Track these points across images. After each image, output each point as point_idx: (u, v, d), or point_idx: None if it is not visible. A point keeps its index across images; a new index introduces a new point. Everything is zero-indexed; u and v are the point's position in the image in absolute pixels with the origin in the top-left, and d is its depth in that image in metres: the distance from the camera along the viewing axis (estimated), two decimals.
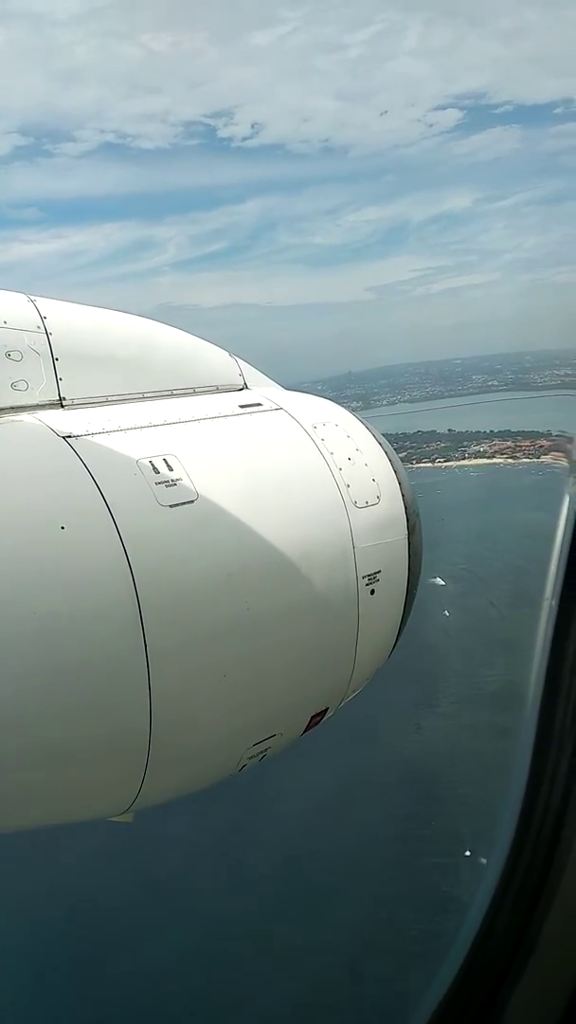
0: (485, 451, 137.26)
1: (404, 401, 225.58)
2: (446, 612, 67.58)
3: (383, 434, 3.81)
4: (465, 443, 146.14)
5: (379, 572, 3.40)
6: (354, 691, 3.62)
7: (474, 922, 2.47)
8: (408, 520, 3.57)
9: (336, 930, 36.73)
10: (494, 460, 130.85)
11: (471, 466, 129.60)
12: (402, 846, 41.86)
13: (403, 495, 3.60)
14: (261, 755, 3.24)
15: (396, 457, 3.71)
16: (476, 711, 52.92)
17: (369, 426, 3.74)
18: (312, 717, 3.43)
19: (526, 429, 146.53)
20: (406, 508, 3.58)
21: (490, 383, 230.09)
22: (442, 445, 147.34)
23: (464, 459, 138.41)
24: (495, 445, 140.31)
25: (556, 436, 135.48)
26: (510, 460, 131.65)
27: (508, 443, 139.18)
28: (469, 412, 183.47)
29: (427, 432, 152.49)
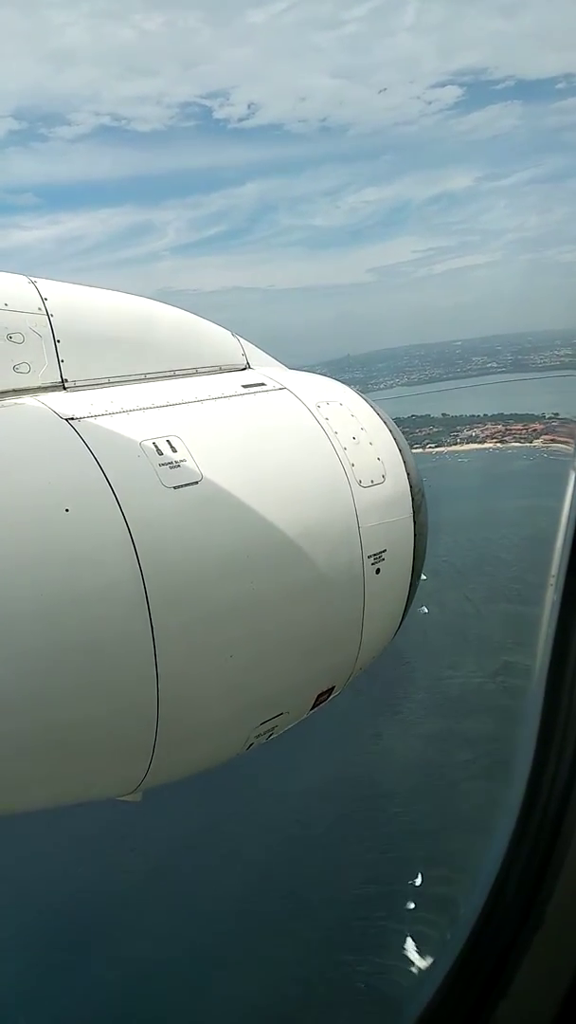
0: (477, 436, 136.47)
1: (402, 384, 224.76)
2: (424, 609, 65.75)
3: None
4: (458, 427, 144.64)
5: (384, 551, 3.37)
6: (360, 669, 3.60)
7: (479, 899, 2.41)
8: (413, 499, 3.53)
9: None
10: (485, 445, 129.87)
11: (462, 451, 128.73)
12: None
13: (408, 474, 3.55)
14: (268, 733, 3.23)
15: (401, 436, 3.66)
16: (439, 718, 51.93)
17: (374, 405, 3.70)
18: (318, 695, 3.42)
19: (520, 412, 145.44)
20: (411, 487, 3.54)
21: (489, 365, 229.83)
22: (435, 430, 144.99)
23: (455, 444, 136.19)
24: (487, 429, 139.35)
25: (549, 419, 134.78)
26: (499, 444, 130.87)
27: (500, 427, 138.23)
28: (465, 395, 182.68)
29: (421, 416, 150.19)
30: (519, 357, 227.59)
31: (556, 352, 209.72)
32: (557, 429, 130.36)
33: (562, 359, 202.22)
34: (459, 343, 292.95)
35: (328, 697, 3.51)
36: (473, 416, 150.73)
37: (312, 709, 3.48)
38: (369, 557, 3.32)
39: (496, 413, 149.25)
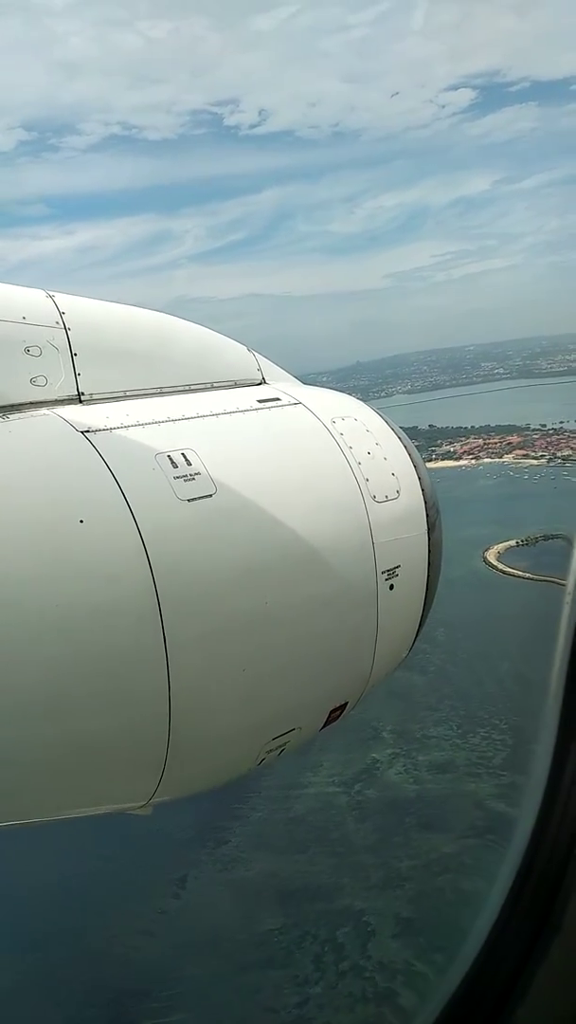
0: (454, 452, 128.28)
1: (404, 392, 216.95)
2: None
3: None
4: (439, 441, 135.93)
5: (398, 567, 3.32)
6: (374, 685, 3.54)
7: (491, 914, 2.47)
8: (428, 515, 3.47)
9: None
10: (460, 462, 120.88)
11: (433, 469, 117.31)
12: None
13: (423, 489, 3.49)
14: (280, 749, 3.21)
15: (415, 451, 3.60)
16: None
17: (388, 420, 3.62)
18: (331, 711, 3.39)
19: (504, 423, 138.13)
20: (425, 503, 3.48)
21: (496, 371, 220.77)
22: (416, 444, 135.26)
23: (429, 460, 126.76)
24: (467, 444, 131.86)
25: (532, 430, 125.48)
26: (473, 461, 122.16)
27: (479, 441, 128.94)
28: (463, 403, 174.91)
29: (408, 429, 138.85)
30: (527, 362, 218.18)
31: (567, 356, 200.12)
32: (536, 442, 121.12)
33: (570, 364, 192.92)
34: (471, 348, 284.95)
35: (341, 713, 3.44)
36: (459, 428, 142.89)
37: (325, 725, 3.42)
38: (383, 573, 3.26)
39: (482, 425, 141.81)
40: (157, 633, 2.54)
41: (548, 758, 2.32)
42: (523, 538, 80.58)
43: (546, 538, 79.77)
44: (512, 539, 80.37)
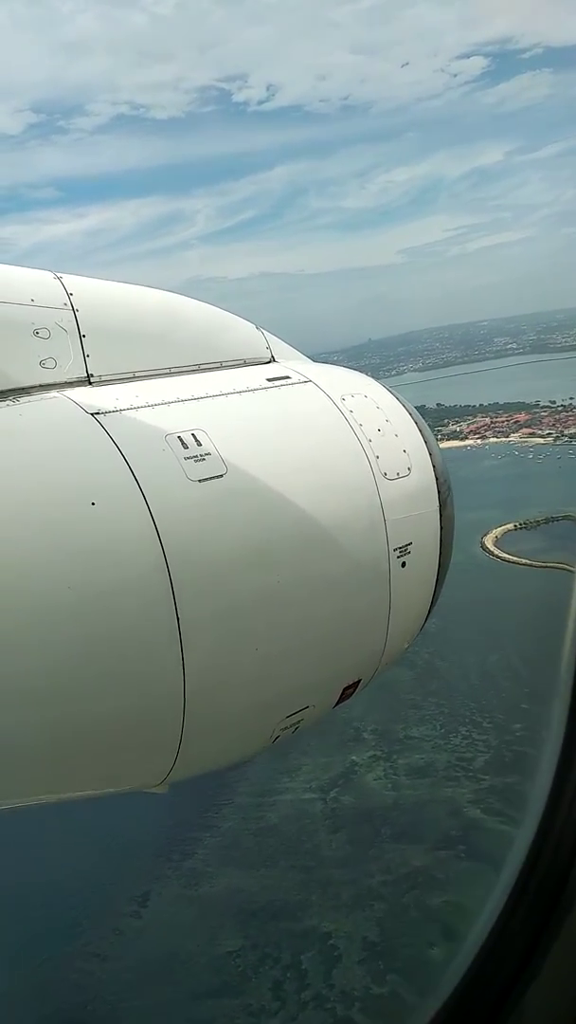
0: (460, 431, 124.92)
1: (415, 370, 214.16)
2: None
3: None
4: (446, 420, 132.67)
5: (410, 544, 3.30)
6: (387, 663, 3.54)
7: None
8: (439, 492, 3.45)
9: None
10: (466, 442, 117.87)
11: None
12: None
13: (434, 466, 3.46)
14: (294, 727, 3.22)
15: (427, 428, 3.57)
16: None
17: (399, 397, 3.60)
18: (344, 689, 3.39)
19: (512, 401, 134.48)
20: (437, 479, 3.46)
21: (509, 346, 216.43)
22: None
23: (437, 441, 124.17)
24: (474, 423, 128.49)
25: (541, 407, 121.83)
26: (479, 441, 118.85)
27: (486, 419, 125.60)
28: (474, 380, 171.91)
29: (416, 408, 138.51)
30: (541, 336, 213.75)
31: None
32: (543, 419, 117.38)
33: None
34: (485, 323, 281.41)
35: (354, 691, 3.45)
36: (466, 407, 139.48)
37: (338, 703, 3.45)
38: (395, 550, 3.24)
39: (491, 403, 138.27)
40: (170, 613, 2.54)
41: (555, 758, 2.29)
42: (522, 521, 77.27)
43: (547, 521, 76.55)
44: (511, 522, 77.00)
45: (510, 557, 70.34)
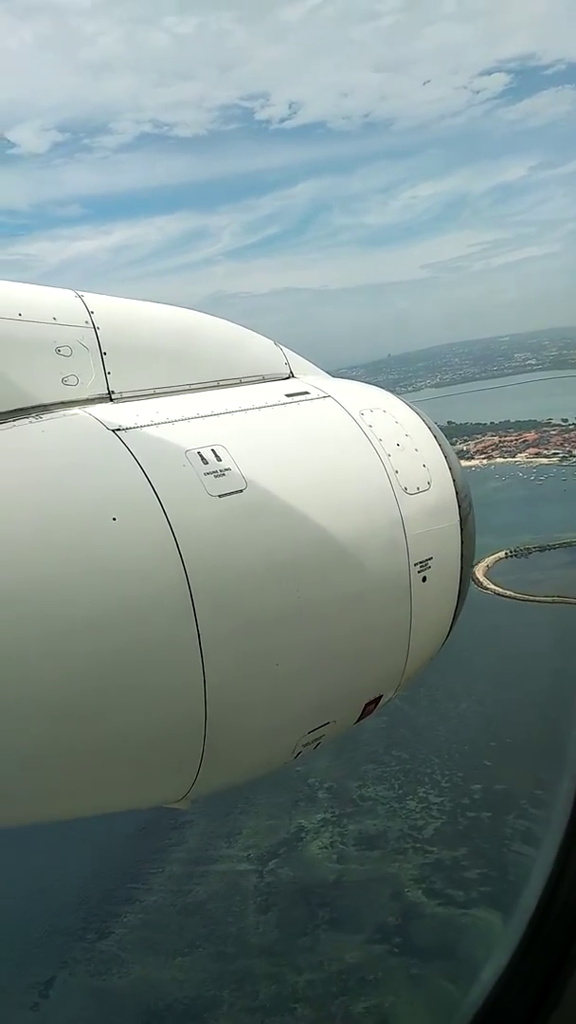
0: (468, 451, 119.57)
1: (431, 385, 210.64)
2: None
3: None
4: (455, 439, 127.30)
5: (431, 559, 3.26)
6: (409, 678, 3.49)
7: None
8: (460, 506, 3.41)
9: None
10: (472, 462, 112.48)
11: None
12: None
13: (454, 480, 3.42)
14: (316, 742, 3.21)
15: (446, 442, 3.56)
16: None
17: (419, 411, 3.58)
18: (366, 704, 3.33)
19: (524, 419, 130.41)
20: (457, 494, 3.41)
21: (529, 362, 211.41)
22: None
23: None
24: (483, 442, 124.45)
25: (552, 425, 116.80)
26: (486, 461, 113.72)
27: (495, 438, 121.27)
28: (490, 397, 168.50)
29: None
30: (562, 352, 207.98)
31: None
32: (552, 439, 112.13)
33: None
34: (506, 339, 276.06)
35: (376, 706, 3.39)
36: (477, 424, 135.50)
37: (360, 719, 3.40)
38: (416, 565, 3.19)
39: (502, 420, 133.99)
40: (191, 629, 2.58)
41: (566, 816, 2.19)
42: (513, 548, 71.97)
43: (540, 549, 71.27)
44: (503, 550, 71.73)
45: (501, 590, 65.11)
